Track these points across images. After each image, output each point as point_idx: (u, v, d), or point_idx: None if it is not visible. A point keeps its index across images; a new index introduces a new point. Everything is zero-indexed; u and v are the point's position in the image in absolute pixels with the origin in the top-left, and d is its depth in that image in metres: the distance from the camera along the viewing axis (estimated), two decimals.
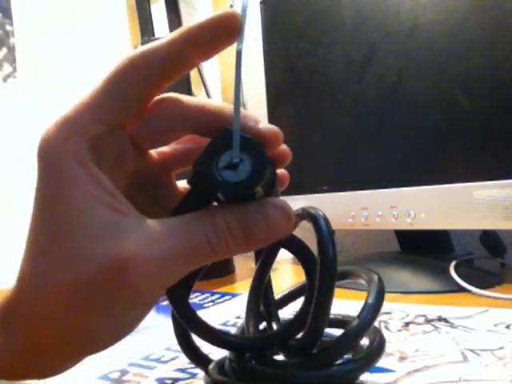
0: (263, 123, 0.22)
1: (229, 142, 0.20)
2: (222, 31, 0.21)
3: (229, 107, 0.22)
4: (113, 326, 0.21)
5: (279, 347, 0.26)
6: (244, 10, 0.20)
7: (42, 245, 0.20)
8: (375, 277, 0.25)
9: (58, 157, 0.20)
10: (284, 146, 0.23)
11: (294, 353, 0.25)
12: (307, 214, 0.24)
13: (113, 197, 0.20)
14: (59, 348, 0.21)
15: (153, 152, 0.25)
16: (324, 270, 0.22)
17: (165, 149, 0.25)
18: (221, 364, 0.27)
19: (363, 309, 0.23)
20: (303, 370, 0.23)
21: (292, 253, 0.26)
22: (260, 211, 0.20)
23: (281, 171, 0.26)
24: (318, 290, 0.22)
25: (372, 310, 0.23)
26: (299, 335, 0.25)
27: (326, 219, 0.23)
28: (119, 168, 0.22)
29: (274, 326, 0.28)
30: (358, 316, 0.23)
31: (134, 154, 0.23)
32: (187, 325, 0.24)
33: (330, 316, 0.23)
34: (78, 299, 0.20)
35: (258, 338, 0.27)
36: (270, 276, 0.29)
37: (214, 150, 0.20)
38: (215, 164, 0.20)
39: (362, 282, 0.26)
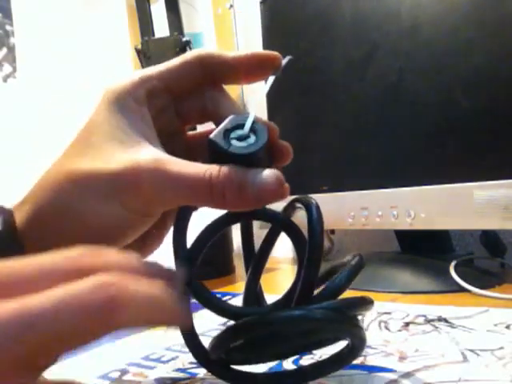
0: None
1: (239, 124, 0.25)
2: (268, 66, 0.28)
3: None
4: (105, 223, 0.25)
5: None
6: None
7: (77, 148, 0.26)
8: (357, 255, 0.27)
9: (122, 93, 0.26)
10: (287, 145, 0.28)
11: None
12: (300, 201, 0.27)
13: (151, 130, 0.26)
14: (54, 224, 0.26)
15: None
16: (313, 236, 0.25)
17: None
18: None
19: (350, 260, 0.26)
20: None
21: (288, 234, 0.28)
22: (258, 173, 0.24)
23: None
24: (309, 246, 0.25)
25: (359, 261, 0.26)
26: None
27: (317, 205, 0.26)
28: (160, 116, 0.28)
29: None
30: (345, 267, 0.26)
31: (168, 102, 0.29)
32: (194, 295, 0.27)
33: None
34: (92, 187, 0.24)
35: (257, 308, 0.30)
36: (261, 285, 0.32)
37: (225, 127, 0.25)
38: (227, 137, 0.24)
39: (346, 260, 0.28)
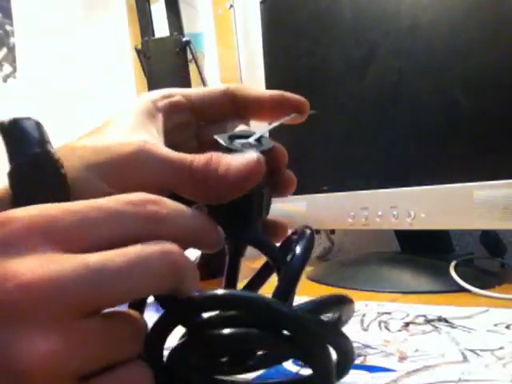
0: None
1: (246, 135, 0.26)
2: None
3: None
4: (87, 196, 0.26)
5: None
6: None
7: (89, 135, 0.27)
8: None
9: (145, 98, 0.28)
10: (292, 176, 0.29)
11: None
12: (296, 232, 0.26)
13: (158, 132, 0.27)
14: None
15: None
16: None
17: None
18: None
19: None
20: None
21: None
22: (239, 155, 0.25)
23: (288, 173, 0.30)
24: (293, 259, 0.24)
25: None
26: None
27: (310, 235, 0.25)
28: (179, 132, 0.30)
29: None
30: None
31: (190, 121, 0.30)
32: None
33: None
34: (79, 154, 0.25)
35: None
36: None
37: (233, 133, 0.26)
38: (232, 140, 0.25)
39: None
